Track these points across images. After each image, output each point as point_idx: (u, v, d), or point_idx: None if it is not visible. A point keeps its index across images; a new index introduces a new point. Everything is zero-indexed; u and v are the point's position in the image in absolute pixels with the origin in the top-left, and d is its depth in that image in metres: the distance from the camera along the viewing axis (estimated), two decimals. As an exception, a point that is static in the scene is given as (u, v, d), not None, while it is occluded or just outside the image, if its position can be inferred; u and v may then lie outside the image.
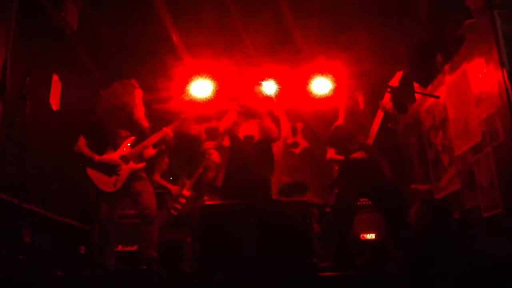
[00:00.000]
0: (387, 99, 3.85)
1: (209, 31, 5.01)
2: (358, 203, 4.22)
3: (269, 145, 4.25)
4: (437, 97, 4.20)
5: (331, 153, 4.09)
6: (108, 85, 3.87)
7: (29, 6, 3.64)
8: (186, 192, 4.25)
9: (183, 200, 4.23)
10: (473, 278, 2.67)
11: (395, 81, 3.91)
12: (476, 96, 3.66)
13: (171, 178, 4.38)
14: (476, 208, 3.71)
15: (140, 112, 3.71)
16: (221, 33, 5.09)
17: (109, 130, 3.58)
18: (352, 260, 3.74)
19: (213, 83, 4.41)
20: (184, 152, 4.48)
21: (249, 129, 4.34)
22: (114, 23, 5.08)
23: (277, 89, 4.42)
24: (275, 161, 4.38)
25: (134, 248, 4.44)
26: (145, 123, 3.72)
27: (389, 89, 3.84)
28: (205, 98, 4.49)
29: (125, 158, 3.52)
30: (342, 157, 3.97)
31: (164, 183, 4.35)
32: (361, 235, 4.57)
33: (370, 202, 4.48)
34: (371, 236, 4.59)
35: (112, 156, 3.51)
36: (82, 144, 3.53)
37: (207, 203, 3.92)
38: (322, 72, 4.58)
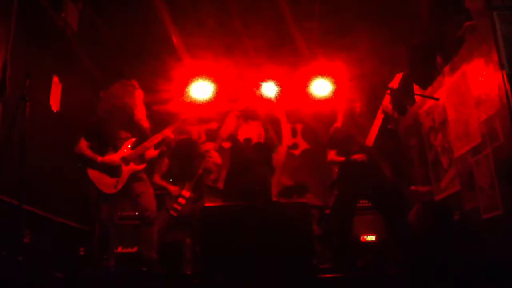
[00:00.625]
0: (387, 101, 3.86)
1: (209, 32, 5.03)
2: (358, 204, 4.23)
3: (270, 148, 4.26)
4: (437, 99, 4.20)
5: (331, 155, 4.09)
6: (108, 86, 3.86)
7: (29, 7, 3.64)
8: (186, 193, 4.25)
9: (182, 201, 4.23)
10: (472, 279, 2.67)
11: (395, 83, 3.92)
12: (476, 98, 3.67)
13: (171, 179, 4.38)
14: (476, 209, 3.71)
15: (140, 113, 3.70)
16: (221, 34, 5.10)
17: (110, 131, 3.58)
18: (353, 261, 3.74)
19: (213, 84, 4.42)
20: (184, 154, 4.48)
21: (248, 132, 4.35)
22: (115, 24, 5.09)
23: (277, 91, 4.43)
24: (276, 163, 4.39)
25: (134, 249, 4.44)
26: (146, 124, 3.71)
27: (389, 91, 3.84)
28: (205, 100, 4.50)
29: (125, 160, 3.52)
30: (343, 158, 3.98)
31: (164, 184, 4.35)
32: (361, 237, 4.57)
33: (369, 204, 4.50)
34: (371, 238, 4.58)
35: (113, 157, 3.50)
36: (83, 145, 3.53)
37: (207, 204, 3.92)
38: (322, 73, 4.59)
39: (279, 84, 4.45)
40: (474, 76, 3.70)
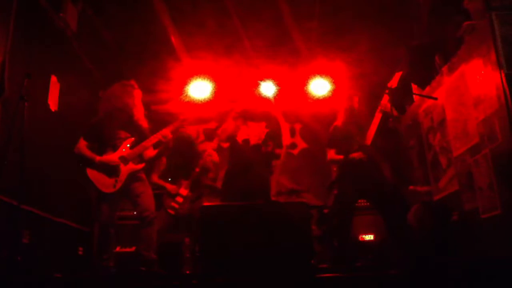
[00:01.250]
0: (385, 100, 3.87)
1: (209, 32, 5.02)
2: (357, 204, 4.23)
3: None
4: (435, 99, 4.21)
5: (331, 154, 4.10)
6: (107, 86, 3.87)
7: (28, 7, 3.64)
8: (183, 191, 4.25)
9: (180, 199, 4.23)
10: (472, 279, 2.68)
11: (394, 82, 3.93)
12: (474, 98, 3.68)
13: (170, 179, 4.38)
14: (475, 209, 3.72)
15: (139, 113, 3.70)
16: (220, 34, 5.09)
17: (109, 131, 3.58)
18: (352, 261, 3.74)
19: (212, 84, 4.42)
20: (182, 153, 4.48)
21: (247, 133, 4.36)
22: (114, 25, 5.09)
23: (276, 91, 4.44)
24: (274, 163, 4.40)
25: (133, 249, 4.44)
26: (145, 124, 3.71)
27: (387, 90, 3.85)
28: (204, 100, 4.50)
29: (124, 159, 3.52)
30: (342, 157, 3.99)
31: (162, 183, 4.35)
32: (360, 236, 4.58)
33: (368, 204, 4.50)
34: (369, 237, 4.59)
35: (112, 157, 3.51)
36: (82, 145, 3.53)
37: (206, 204, 3.92)
38: (321, 73, 4.60)
39: (278, 84, 4.46)
40: (472, 76, 3.71)
